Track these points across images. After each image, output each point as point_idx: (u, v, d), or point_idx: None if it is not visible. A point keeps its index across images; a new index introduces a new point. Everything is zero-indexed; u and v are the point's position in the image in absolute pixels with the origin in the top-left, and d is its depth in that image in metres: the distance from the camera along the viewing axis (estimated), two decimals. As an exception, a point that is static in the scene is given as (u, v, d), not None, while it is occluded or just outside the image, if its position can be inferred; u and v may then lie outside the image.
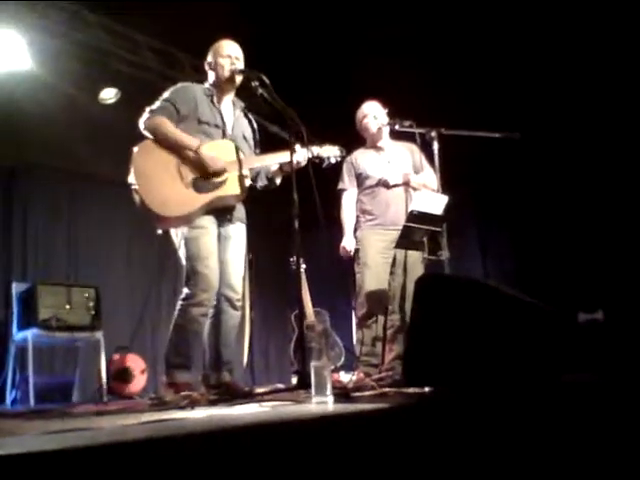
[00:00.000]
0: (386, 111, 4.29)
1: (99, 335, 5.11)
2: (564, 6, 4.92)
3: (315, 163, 3.52)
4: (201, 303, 3.19)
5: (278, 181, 3.58)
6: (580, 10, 4.90)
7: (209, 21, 4.78)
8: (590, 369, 2.81)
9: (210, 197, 3.22)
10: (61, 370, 5.56)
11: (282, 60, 5.25)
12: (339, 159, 3.69)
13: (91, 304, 5.10)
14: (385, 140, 4.32)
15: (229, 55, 3.44)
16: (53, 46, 5.41)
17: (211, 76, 3.51)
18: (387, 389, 2.83)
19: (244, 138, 3.52)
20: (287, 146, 3.29)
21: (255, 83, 3.27)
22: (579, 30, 5.06)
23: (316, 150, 3.52)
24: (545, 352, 2.48)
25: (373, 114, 4.27)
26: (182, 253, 3.26)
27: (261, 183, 3.60)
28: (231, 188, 3.27)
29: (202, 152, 3.20)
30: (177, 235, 3.29)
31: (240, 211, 3.46)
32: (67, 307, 4.97)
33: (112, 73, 5.85)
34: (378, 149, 4.32)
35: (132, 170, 3.17)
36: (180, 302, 3.22)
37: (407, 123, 4.04)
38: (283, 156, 3.39)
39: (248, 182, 3.38)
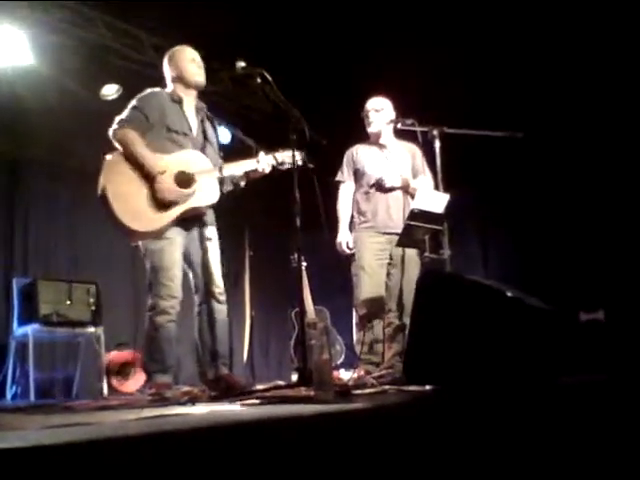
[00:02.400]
0: (390, 106, 4.28)
1: (100, 331, 5.13)
2: (567, 5, 4.92)
3: (278, 167, 3.54)
4: (165, 311, 3.23)
5: (242, 184, 3.61)
6: (582, 9, 4.90)
7: (211, 18, 4.78)
8: (591, 369, 2.81)
9: (181, 210, 3.25)
10: (61, 365, 5.56)
11: (284, 57, 5.25)
12: (299, 163, 3.59)
13: (92, 300, 5.11)
14: (388, 138, 4.31)
15: (193, 59, 3.48)
16: (55, 42, 5.40)
17: (173, 81, 3.51)
18: (387, 387, 2.84)
19: (208, 141, 3.54)
20: (251, 154, 3.40)
21: (257, 80, 3.27)
22: (581, 29, 5.05)
23: (280, 156, 3.50)
24: (546, 352, 2.48)
25: (376, 110, 4.26)
26: (147, 263, 3.30)
27: (227, 187, 3.59)
28: (200, 199, 3.30)
29: (158, 183, 3.20)
30: (142, 245, 3.32)
31: (210, 216, 3.49)
32: (68, 303, 4.98)
33: (114, 69, 5.84)
34: (380, 146, 4.31)
35: (103, 180, 3.19)
36: (147, 313, 3.28)
37: (409, 121, 4.03)
38: (250, 164, 3.46)
39: (217, 189, 3.39)
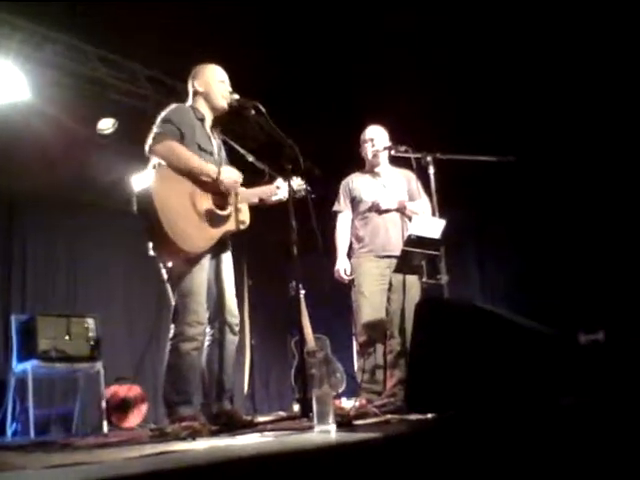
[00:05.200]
0: (387, 135, 4.32)
1: (99, 365, 5.10)
2: (556, 30, 4.98)
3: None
4: (192, 338, 3.13)
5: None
6: (572, 35, 4.96)
7: (205, 50, 4.83)
8: (591, 391, 2.80)
9: (222, 231, 3.21)
10: (61, 401, 5.53)
11: (279, 86, 5.29)
12: (303, 193, 3.63)
13: (90, 334, 5.09)
14: (383, 165, 4.35)
15: (222, 81, 3.41)
16: (50, 77, 5.45)
17: (199, 100, 3.41)
18: (390, 416, 2.82)
19: (226, 164, 3.48)
20: (264, 178, 3.36)
21: (252, 112, 3.28)
22: (570, 54, 5.12)
23: (294, 184, 3.49)
24: (545, 374, 2.48)
25: (373, 139, 4.30)
26: (171, 287, 3.20)
27: None
28: (235, 222, 3.26)
29: (223, 178, 3.16)
30: (166, 266, 3.21)
31: (227, 241, 3.43)
32: (66, 338, 4.96)
33: (109, 103, 5.88)
34: (375, 174, 4.34)
35: (153, 198, 2.98)
36: (170, 341, 3.15)
37: (403, 148, 4.06)
38: (269, 190, 3.44)
39: (247, 211, 3.37)
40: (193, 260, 3.14)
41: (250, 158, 3.50)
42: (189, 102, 3.44)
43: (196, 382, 3.19)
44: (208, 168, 3.17)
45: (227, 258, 3.41)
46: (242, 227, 3.30)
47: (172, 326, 3.16)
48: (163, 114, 3.25)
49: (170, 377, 3.14)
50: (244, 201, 3.40)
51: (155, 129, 3.18)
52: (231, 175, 3.21)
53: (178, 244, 3.01)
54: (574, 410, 2.37)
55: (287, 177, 3.29)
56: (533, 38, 5.08)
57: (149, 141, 3.15)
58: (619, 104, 5.27)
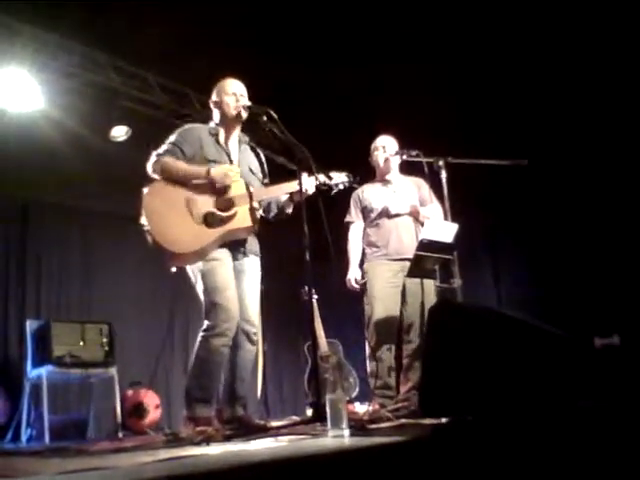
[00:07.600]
0: (398, 145, 4.32)
1: (113, 371, 5.13)
2: (569, 33, 4.97)
3: (324, 191, 3.53)
4: (223, 333, 3.14)
5: (289, 210, 3.58)
6: (586, 38, 4.95)
7: (217, 59, 4.85)
8: (607, 394, 2.78)
9: (221, 231, 3.22)
10: (76, 407, 5.56)
11: (290, 94, 5.30)
12: (347, 185, 3.67)
13: (105, 340, 5.12)
14: (393, 173, 4.36)
15: (234, 93, 3.49)
16: (64, 86, 5.50)
17: (217, 114, 3.55)
18: (404, 420, 2.81)
19: (251, 171, 3.54)
20: (294, 176, 3.32)
21: (263, 118, 3.31)
22: (583, 58, 5.10)
23: (323, 177, 3.52)
24: (561, 378, 2.46)
25: (384, 146, 4.31)
26: (199, 287, 3.25)
27: (273, 214, 3.62)
28: (241, 221, 3.27)
29: (212, 172, 3.22)
30: (193, 271, 3.28)
31: (253, 244, 3.46)
32: (81, 344, 5.00)
33: (123, 111, 5.92)
34: (385, 182, 4.35)
35: (143, 211, 3.19)
36: (201, 334, 3.18)
37: (414, 153, 4.05)
38: (291, 186, 3.42)
39: (259, 214, 3.39)
40: (203, 257, 3.20)
41: (281, 159, 3.52)
42: (215, 118, 3.57)
43: (220, 381, 3.22)
44: (197, 170, 3.25)
45: (251, 266, 3.44)
46: (245, 225, 3.28)
47: (205, 321, 3.19)
48: (172, 135, 3.43)
49: (196, 370, 3.17)
50: (261, 198, 3.44)
51: (158, 150, 3.36)
52: (220, 169, 3.25)
53: (164, 246, 3.12)
54: (590, 414, 2.35)
55: (300, 181, 3.29)
56: (546, 41, 5.07)
57: (150, 160, 3.33)
58: (635, 107, 5.24)
